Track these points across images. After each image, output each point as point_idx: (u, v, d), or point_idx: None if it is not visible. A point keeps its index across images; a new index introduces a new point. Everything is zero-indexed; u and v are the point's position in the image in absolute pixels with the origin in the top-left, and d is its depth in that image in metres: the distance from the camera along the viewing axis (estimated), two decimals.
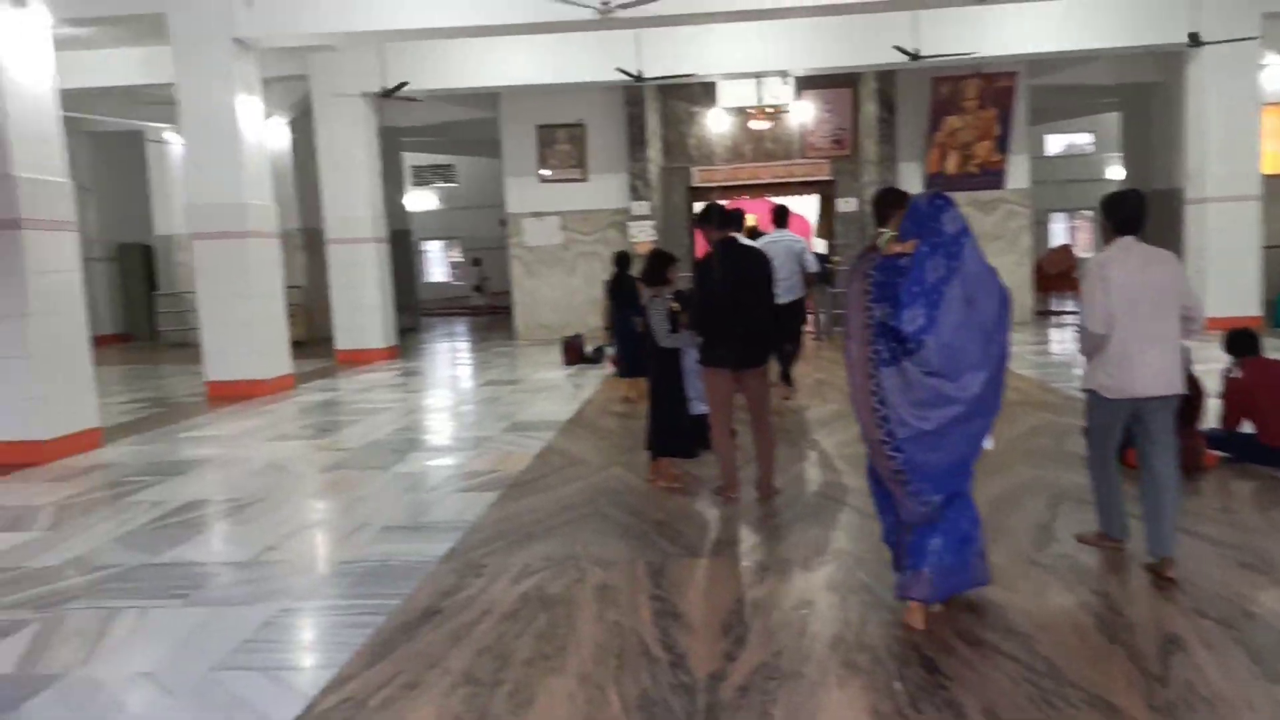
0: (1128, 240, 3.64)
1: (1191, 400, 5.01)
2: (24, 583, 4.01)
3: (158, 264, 16.89)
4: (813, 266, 8.36)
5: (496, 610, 3.53)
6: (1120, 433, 3.78)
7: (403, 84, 11.21)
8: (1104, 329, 3.58)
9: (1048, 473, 5.20)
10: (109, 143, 16.67)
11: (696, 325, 4.79)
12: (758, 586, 3.72)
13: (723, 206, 4.88)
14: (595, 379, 9.95)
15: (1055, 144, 23.35)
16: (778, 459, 5.19)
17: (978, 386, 3.10)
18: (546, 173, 14.75)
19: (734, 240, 4.79)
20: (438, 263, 27.27)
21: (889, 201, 3.74)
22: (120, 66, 12.03)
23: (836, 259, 13.07)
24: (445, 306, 24.26)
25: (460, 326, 19.41)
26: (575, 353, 11.44)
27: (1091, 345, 3.67)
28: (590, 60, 11.47)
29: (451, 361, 13.30)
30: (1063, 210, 23.47)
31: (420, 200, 24.76)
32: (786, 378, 8.19)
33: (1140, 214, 3.65)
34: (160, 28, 9.24)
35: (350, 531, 4.67)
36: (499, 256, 20.35)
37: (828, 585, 3.70)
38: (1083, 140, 23.57)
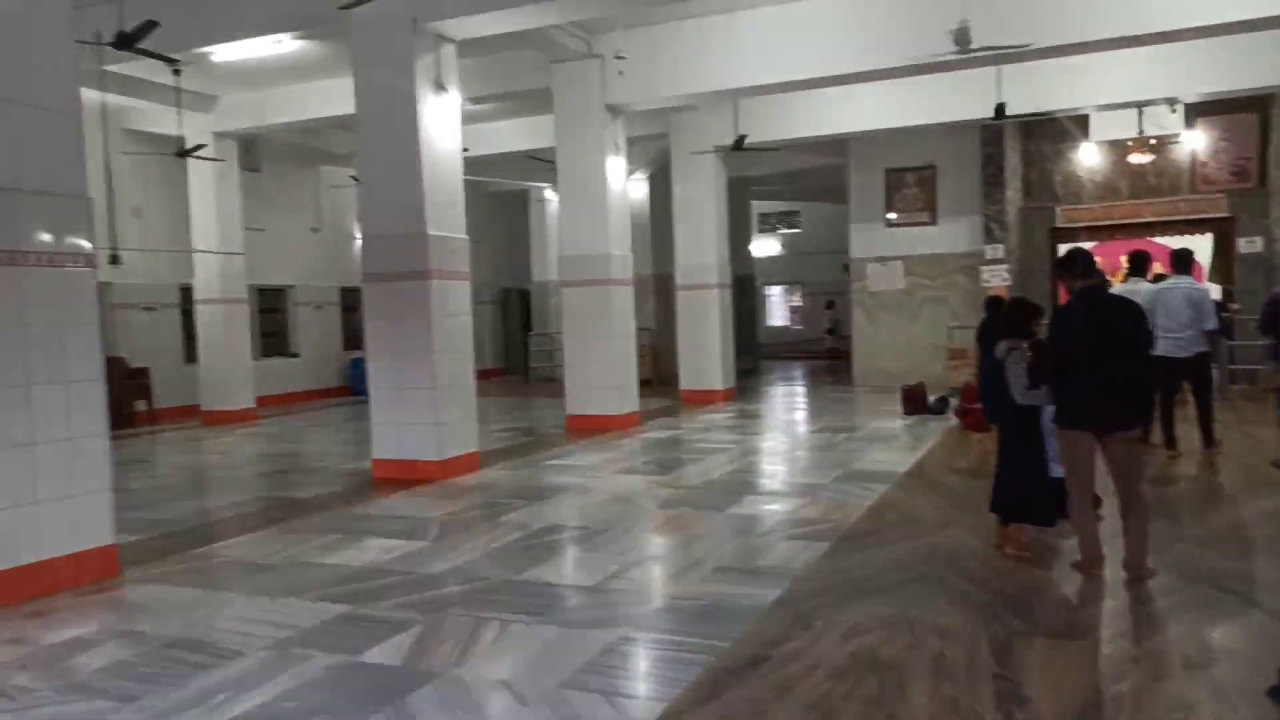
0: None
1: None
2: (414, 586, 4.66)
3: (533, 307, 18.96)
4: (1210, 321, 7.35)
5: (825, 666, 3.47)
6: None
7: (743, 137, 11.65)
8: None
9: None
10: (499, 201, 19.10)
11: (1045, 380, 4.44)
12: (1122, 680, 3.28)
13: (1087, 253, 4.50)
14: (936, 431, 9.49)
15: None
16: (1155, 536, 4.58)
17: None
18: (893, 216, 14.48)
19: (1098, 289, 4.41)
20: (778, 307, 27.69)
21: None
22: (512, 135, 13.77)
23: (1235, 307, 11.34)
24: (784, 350, 24.53)
25: (797, 370, 19.49)
26: (916, 402, 11.00)
27: None
28: (944, 101, 11.10)
29: (787, 405, 13.37)
30: None
31: (764, 246, 25.39)
32: (1170, 440, 7.52)
33: None
34: (545, 100, 10.45)
35: (685, 568, 4.86)
36: (839, 302, 20.27)
37: (1213, 691, 3.17)
38: None
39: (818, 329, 24.87)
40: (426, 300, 7.58)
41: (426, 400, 7.59)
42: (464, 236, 8.04)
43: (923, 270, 14.39)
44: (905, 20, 8.57)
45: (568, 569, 4.99)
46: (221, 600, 4.52)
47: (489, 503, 6.64)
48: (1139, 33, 8.24)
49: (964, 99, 10.93)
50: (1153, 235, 13.22)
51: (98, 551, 4.89)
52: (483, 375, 17.64)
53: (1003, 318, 5.06)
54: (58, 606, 4.47)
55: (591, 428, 10.14)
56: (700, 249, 13.03)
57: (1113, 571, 4.47)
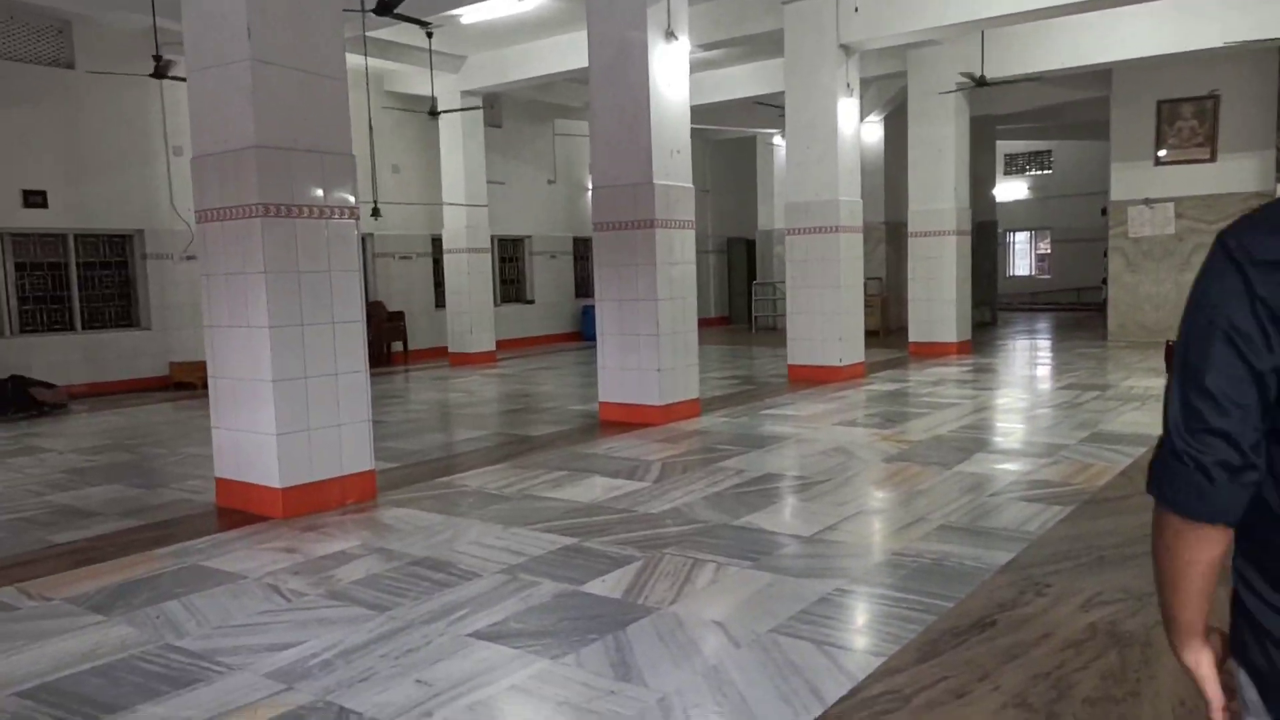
0: None
1: None
2: (634, 524, 4.83)
3: (757, 256, 18.84)
4: None
5: (1059, 635, 3.25)
6: None
7: (983, 78, 10.83)
8: None
9: None
10: (726, 149, 19.04)
11: None
12: None
13: None
14: None
15: None
16: None
17: None
18: (1163, 154, 13.00)
19: None
20: (1023, 255, 25.82)
21: None
22: (741, 81, 13.62)
23: None
24: (1028, 301, 22.92)
25: (1043, 323, 18.14)
26: None
27: None
28: (1229, 19, 9.73)
29: (1029, 361, 12.51)
30: None
31: (1010, 190, 23.67)
32: None
33: None
34: (775, 43, 10.22)
35: (907, 524, 4.70)
36: (1096, 250, 18.54)
37: None
38: None
39: (1068, 278, 22.96)
40: (652, 248, 7.72)
41: (650, 346, 7.77)
42: (689, 185, 8.08)
43: (1197, 213, 12.85)
44: None
45: (784, 517, 4.97)
46: (461, 526, 4.91)
47: (708, 448, 6.74)
48: None
49: (1255, 15, 9.53)
50: None
51: (359, 476, 5.45)
52: (706, 324, 17.83)
53: None
54: (326, 523, 5.05)
55: (813, 378, 9.99)
56: (936, 194, 12.35)
57: None
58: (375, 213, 10.79)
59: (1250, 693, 1.10)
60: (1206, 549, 1.07)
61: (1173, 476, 1.06)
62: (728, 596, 3.75)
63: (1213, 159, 12.71)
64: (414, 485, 5.84)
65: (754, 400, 8.97)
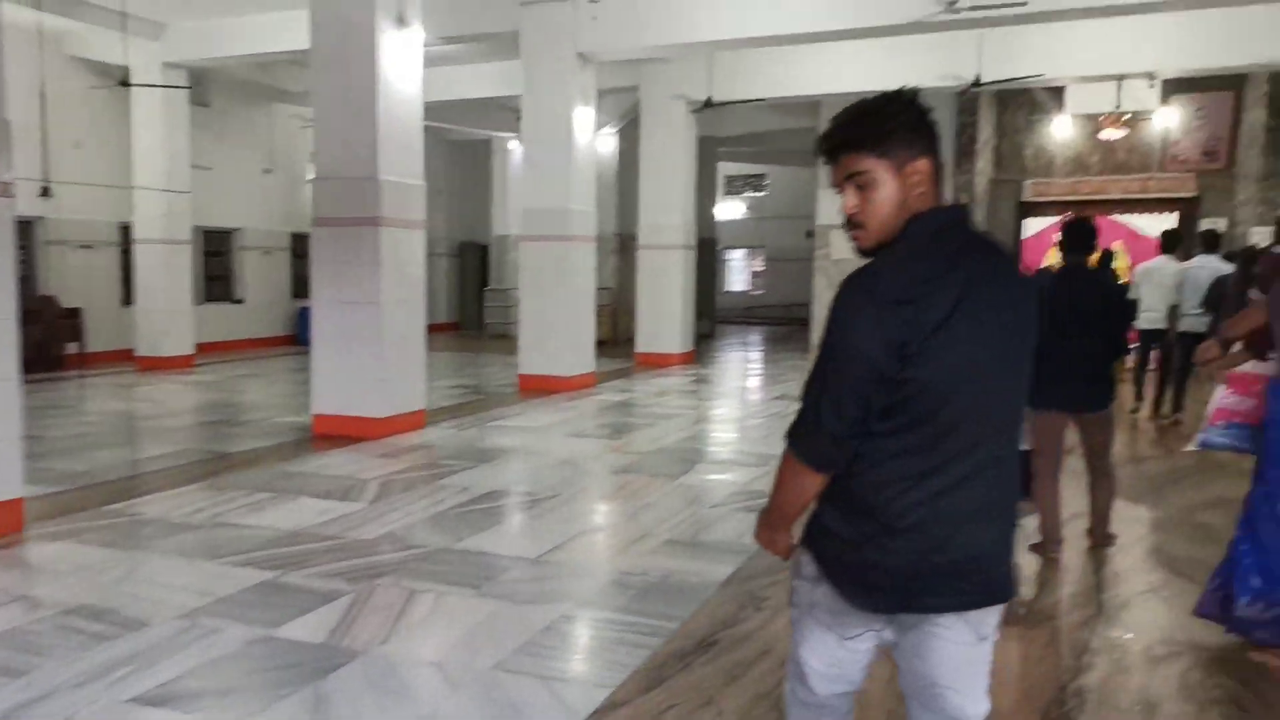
0: None
1: None
2: (345, 552, 4.38)
3: (491, 261, 18.51)
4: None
5: (777, 651, 3.28)
6: None
7: (710, 100, 11.36)
8: None
9: None
10: (462, 150, 18.53)
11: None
12: (1085, 674, 3.15)
13: (1083, 225, 4.36)
14: None
15: None
16: (1115, 518, 4.51)
17: None
18: None
19: (1080, 267, 4.32)
20: (738, 271, 27.49)
21: None
22: (476, 80, 13.26)
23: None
24: (743, 315, 24.39)
25: (756, 336, 19.35)
26: None
27: None
28: (921, 65, 10.80)
29: (743, 372, 13.19)
30: None
31: (728, 209, 25.08)
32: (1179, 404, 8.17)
33: None
34: (514, 44, 9.98)
35: (634, 540, 4.64)
36: (804, 269, 20.02)
37: (1179, 685, 3.05)
38: None
39: (779, 294, 24.70)
40: (376, 248, 7.21)
41: (371, 354, 7.25)
42: (420, 183, 7.65)
43: None
44: None
45: (510, 537, 4.74)
46: (133, 562, 4.20)
47: (432, 464, 6.36)
48: (1126, 2, 8.03)
49: (941, 65, 10.67)
50: (1119, 213, 13.19)
51: None
52: (435, 329, 17.24)
53: None
54: None
55: (544, 388, 9.86)
56: (666, 208, 12.71)
57: (1069, 557, 4.39)
58: (45, 193, 9.27)
59: (810, 568, 1.74)
60: (816, 485, 1.66)
61: (810, 441, 1.62)
62: (447, 631, 3.45)
63: None
64: (76, 514, 4.97)
65: (483, 411, 8.68)
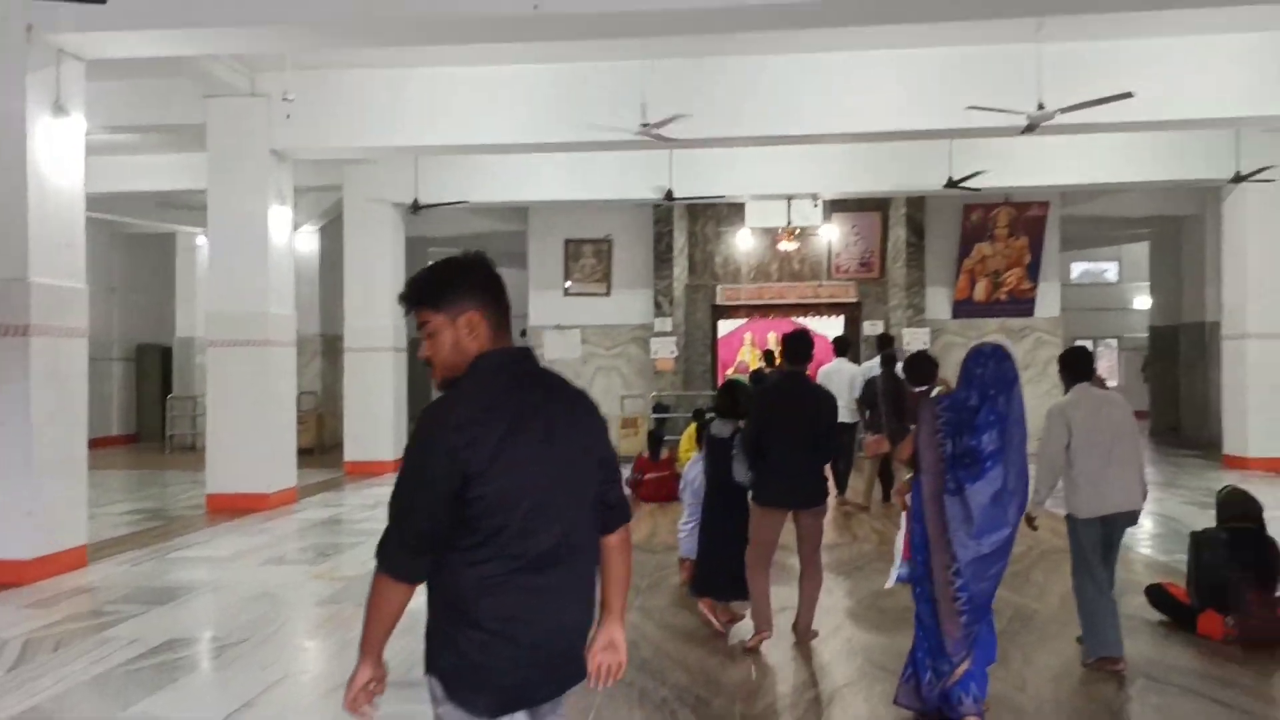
0: (1083, 386, 4.38)
1: (1267, 565, 4.60)
2: None
3: (175, 366, 16.80)
4: (857, 391, 8.83)
5: None
6: (1097, 552, 4.26)
7: (417, 203, 11.33)
8: (1059, 465, 4.25)
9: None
10: (141, 245, 16.84)
11: (752, 461, 4.66)
12: None
13: (804, 337, 4.83)
14: None
15: (1077, 270, 23.30)
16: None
17: (1016, 515, 3.55)
18: (570, 285, 14.73)
19: (797, 375, 4.77)
20: None
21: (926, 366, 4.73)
22: (157, 172, 12.20)
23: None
24: None
25: None
26: None
27: (1050, 479, 4.30)
28: (621, 177, 11.51)
29: None
30: (1088, 338, 23.15)
31: None
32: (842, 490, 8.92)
33: (1091, 366, 4.51)
34: (200, 136, 9.32)
35: (341, 684, 4.23)
36: None
37: None
38: (1103, 268, 23.51)
39: None
40: (25, 360, 6.25)
41: (18, 485, 6.19)
42: (81, 285, 6.79)
43: (597, 339, 14.74)
44: (587, 98, 8.72)
45: (190, 697, 4.14)
46: None
47: (95, 611, 5.48)
48: (788, 133, 9.07)
49: (639, 178, 11.43)
50: (797, 316, 14.64)
51: None
52: (107, 444, 15.23)
53: (718, 401, 5.42)
54: None
55: (237, 507, 8.94)
56: (374, 310, 12.28)
57: (779, 654, 4.59)
58: None
59: (438, 689, 1.83)
60: (401, 595, 1.82)
61: (391, 555, 1.81)
62: None
63: (608, 293, 14.77)
64: None
65: (163, 540, 7.68)
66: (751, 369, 10.61)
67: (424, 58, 8.82)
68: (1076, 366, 4.43)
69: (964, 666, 3.53)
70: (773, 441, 4.57)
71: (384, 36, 7.09)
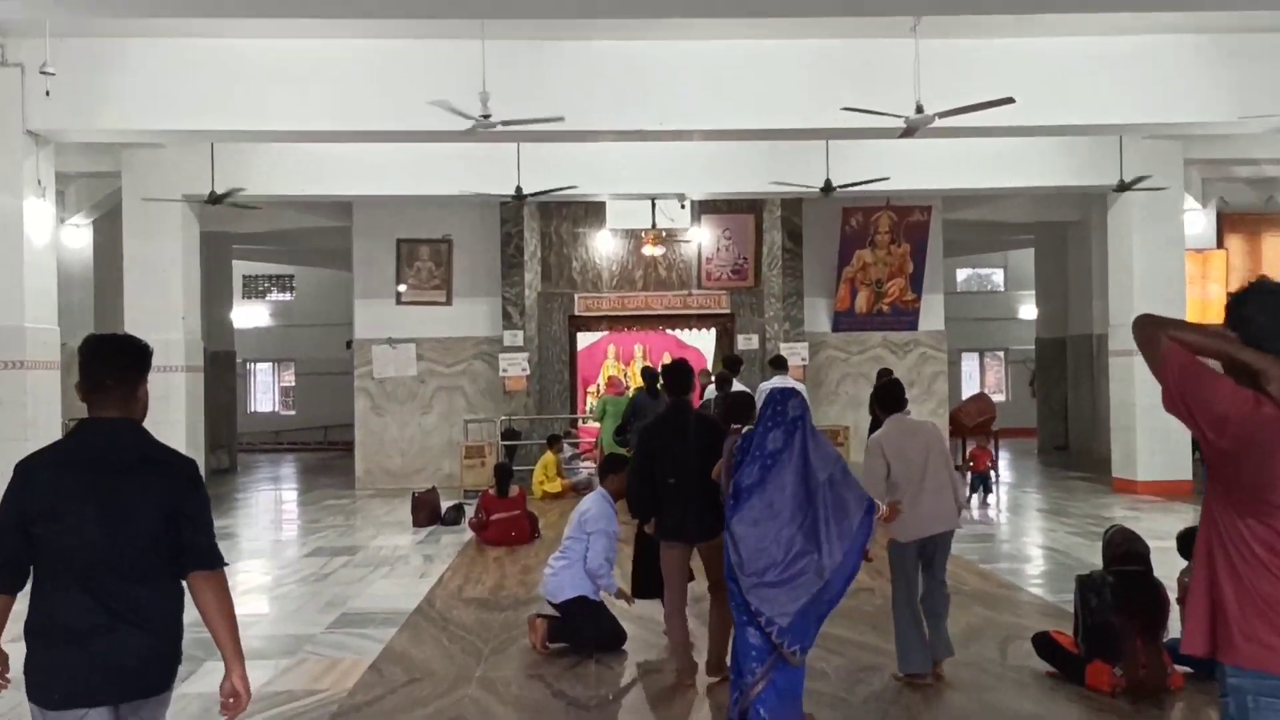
0: (896, 417, 5.17)
1: (1154, 611, 4.89)
2: None
3: None
4: None
5: None
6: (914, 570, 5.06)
7: (230, 192, 10.77)
8: (881, 494, 4.82)
9: (994, 705, 4.92)
10: None
11: (638, 495, 5.20)
12: None
13: (683, 366, 5.39)
14: (451, 547, 9.35)
15: (962, 275, 24.53)
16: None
17: (785, 547, 4.06)
18: (402, 289, 14.38)
19: (684, 404, 5.27)
20: (265, 389, 26.11)
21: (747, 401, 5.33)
22: None
23: None
24: (272, 441, 23.12)
25: (288, 467, 18.45)
26: (427, 510, 10.81)
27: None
28: (462, 171, 11.31)
29: (273, 517, 12.44)
30: (973, 350, 24.34)
31: (250, 315, 23.82)
32: None
33: (903, 398, 5.28)
34: None
35: None
36: (344, 385, 19.47)
37: None
38: (989, 273, 24.91)
39: (314, 415, 23.73)
40: None
41: None
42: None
43: (436, 355, 14.45)
44: (423, 82, 8.49)
45: None
46: None
47: None
48: (649, 128, 9.14)
49: (483, 171, 11.24)
50: (665, 328, 14.81)
51: None
52: None
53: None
54: None
55: None
56: (161, 321, 11.57)
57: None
58: None
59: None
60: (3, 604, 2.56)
61: None
62: None
63: (449, 302, 14.50)
64: None
65: None
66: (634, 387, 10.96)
67: (215, 28, 8.39)
68: (887, 400, 5.28)
69: (760, 686, 4.06)
70: (664, 474, 4.99)
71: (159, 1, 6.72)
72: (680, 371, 5.34)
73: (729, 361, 10.59)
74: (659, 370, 9.56)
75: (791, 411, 4.23)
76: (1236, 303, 2.35)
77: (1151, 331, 2.35)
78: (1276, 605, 2.16)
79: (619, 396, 11.77)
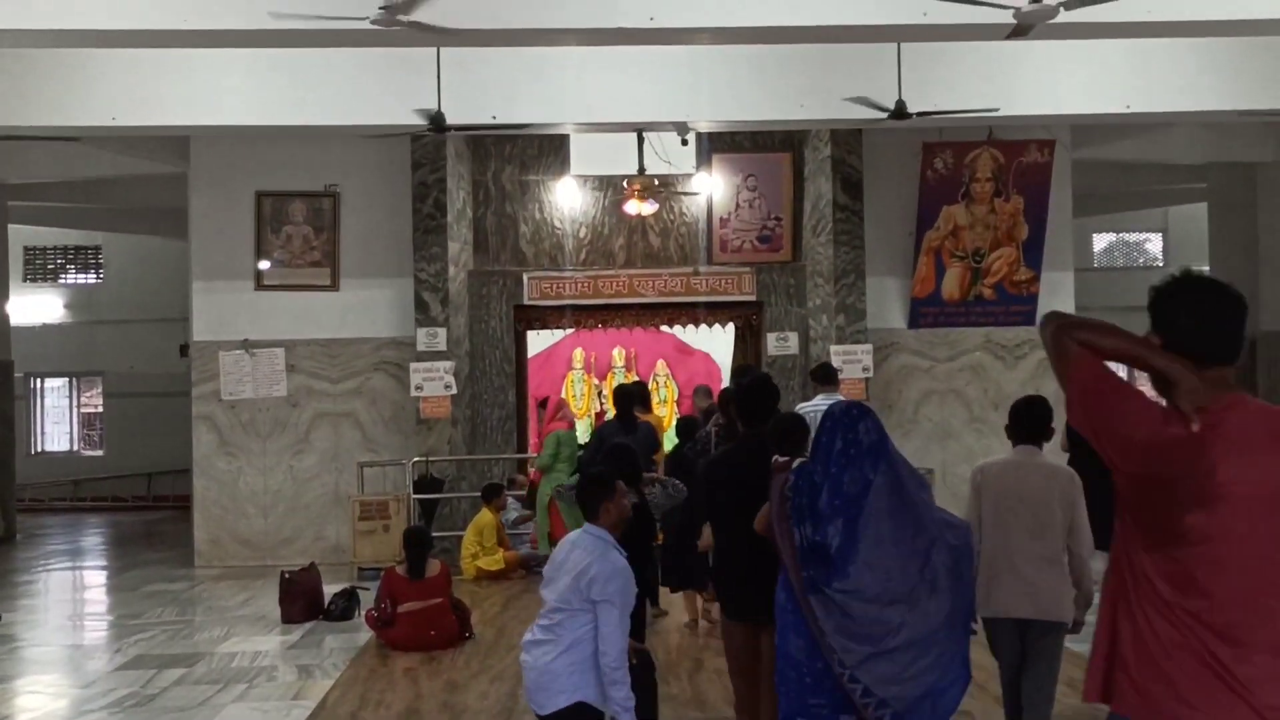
0: (1025, 449, 5.57)
1: None
2: None
3: None
4: None
5: None
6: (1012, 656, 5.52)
7: None
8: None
9: None
10: None
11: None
12: None
13: (767, 384, 6.01)
14: (340, 654, 9.44)
15: (1101, 243, 24.57)
16: None
17: (928, 613, 4.52)
18: (265, 266, 14.37)
19: (755, 441, 5.65)
20: (59, 416, 26.05)
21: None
22: None
23: None
24: (69, 495, 23.06)
25: (94, 535, 18.46)
26: (305, 601, 10.80)
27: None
28: (353, 91, 11.31)
29: (71, 611, 12.43)
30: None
31: (35, 306, 23.74)
32: None
33: (1045, 426, 5.62)
34: None
35: None
36: (177, 410, 19.37)
37: None
38: (1140, 239, 24.95)
39: (133, 455, 23.64)
40: None
41: None
42: None
43: (317, 365, 14.43)
44: None
45: None
46: None
47: None
48: (640, 26, 9.15)
49: (384, 92, 11.24)
50: (660, 323, 14.83)
51: None
52: None
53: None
54: None
55: None
56: None
57: None
58: None
59: None
60: None
61: None
62: None
63: (334, 285, 14.46)
64: None
65: None
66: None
67: None
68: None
69: None
70: (732, 531, 5.41)
71: None
72: (761, 393, 5.84)
73: (745, 377, 10.42)
74: (718, 394, 10.05)
75: (866, 437, 4.57)
76: (1160, 300, 2.84)
77: (1061, 338, 2.84)
78: (1172, 649, 2.67)
79: (569, 431, 11.83)
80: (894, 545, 4.52)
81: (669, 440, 13.24)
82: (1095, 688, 2.84)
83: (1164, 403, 2.75)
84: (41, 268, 24.82)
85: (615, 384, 13.07)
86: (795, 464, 4.88)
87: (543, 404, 13.37)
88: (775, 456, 5.17)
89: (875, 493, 4.50)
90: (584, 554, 5.43)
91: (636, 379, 13.80)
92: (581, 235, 14.70)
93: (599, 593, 5.26)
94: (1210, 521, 2.66)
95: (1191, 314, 2.75)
